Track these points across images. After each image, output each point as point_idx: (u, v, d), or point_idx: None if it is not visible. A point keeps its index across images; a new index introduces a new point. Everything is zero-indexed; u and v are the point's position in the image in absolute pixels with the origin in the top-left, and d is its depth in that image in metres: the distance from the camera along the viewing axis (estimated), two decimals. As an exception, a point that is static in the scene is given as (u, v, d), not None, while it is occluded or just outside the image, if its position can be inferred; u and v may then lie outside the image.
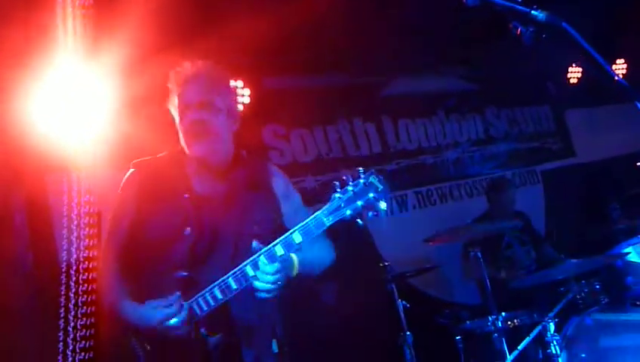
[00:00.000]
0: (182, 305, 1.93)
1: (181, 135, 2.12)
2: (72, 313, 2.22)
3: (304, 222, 1.89)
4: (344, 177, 1.87)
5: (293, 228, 1.93)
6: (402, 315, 3.67)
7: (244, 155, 2.24)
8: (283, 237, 1.91)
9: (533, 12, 1.44)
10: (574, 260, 3.48)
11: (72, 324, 2.22)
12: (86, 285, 2.28)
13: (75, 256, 2.24)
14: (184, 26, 3.48)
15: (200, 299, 1.96)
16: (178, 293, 1.94)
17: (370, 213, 1.86)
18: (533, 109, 6.16)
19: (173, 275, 1.99)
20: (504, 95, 5.86)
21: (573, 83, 5.96)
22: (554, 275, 3.44)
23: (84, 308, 2.26)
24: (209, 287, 1.95)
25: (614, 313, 3.38)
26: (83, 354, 2.21)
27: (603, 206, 4.10)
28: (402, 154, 5.31)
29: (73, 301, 2.23)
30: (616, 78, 1.45)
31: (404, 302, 3.72)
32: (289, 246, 1.91)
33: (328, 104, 4.95)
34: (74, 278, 2.24)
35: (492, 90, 5.81)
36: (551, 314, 3.25)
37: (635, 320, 3.24)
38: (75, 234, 2.24)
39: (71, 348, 2.18)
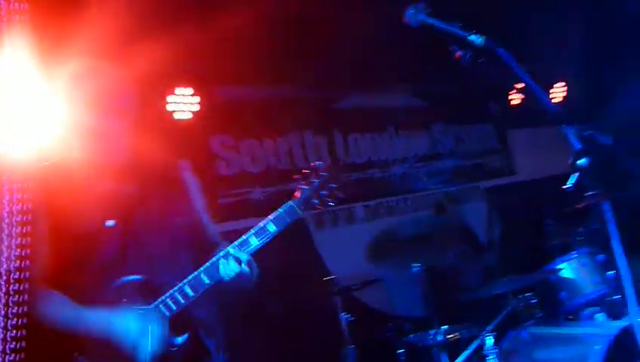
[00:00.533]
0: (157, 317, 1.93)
1: (72, 138, 2.05)
2: (2, 312, 2.11)
3: (277, 212, 2.04)
4: (306, 171, 2.13)
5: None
6: (345, 328, 3.69)
7: (153, 153, 2.20)
8: (257, 227, 2.03)
9: (470, 37, 1.50)
10: (512, 276, 3.60)
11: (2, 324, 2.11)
12: (17, 284, 2.18)
13: (5, 254, 2.14)
14: (134, 33, 3.42)
15: (168, 300, 1.97)
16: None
17: (330, 203, 2.11)
18: (477, 127, 6.35)
19: (124, 280, 1.97)
20: (451, 112, 6.02)
21: (516, 104, 6.19)
22: (493, 290, 3.54)
23: (16, 308, 2.16)
24: (178, 286, 1.97)
25: (548, 327, 3.50)
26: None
27: (540, 223, 4.27)
28: (351, 168, 5.37)
29: (3, 301, 2.12)
30: (545, 102, 1.53)
31: (347, 316, 3.73)
32: (264, 234, 2.02)
33: (280, 115, 4.96)
34: (4, 277, 2.13)
35: (439, 107, 5.96)
36: (489, 328, 3.34)
37: (567, 334, 3.38)
38: (5, 232, 2.14)
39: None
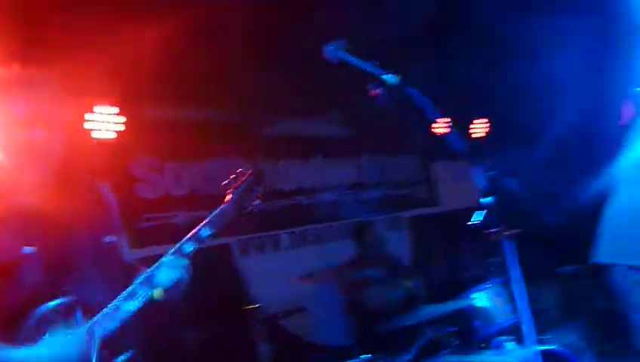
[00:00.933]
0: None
1: (4, 156, 1.89)
2: None
3: (211, 217, 2.08)
4: (232, 177, 2.22)
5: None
6: (268, 360, 3.63)
7: (74, 171, 2.11)
8: (191, 233, 2.03)
9: (383, 76, 1.55)
10: (430, 305, 3.70)
11: None
12: None
13: None
14: (58, 46, 3.30)
15: (102, 319, 1.84)
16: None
17: (255, 203, 2.24)
18: (403, 158, 6.56)
19: (47, 306, 1.81)
20: (378, 143, 6.18)
21: (439, 136, 6.42)
22: (410, 319, 3.62)
23: None
24: (112, 304, 1.86)
25: (463, 355, 3.61)
26: None
27: (459, 253, 4.43)
28: (278, 195, 5.36)
29: None
30: (454, 141, 1.60)
31: (270, 346, 3.69)
32: (198, 240, 2.03)
33: (207, 139, 4.89)
34: None
35: (367, 138, 6.10)
36: (406, 358, 3.39)
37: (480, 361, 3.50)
38: None
39: None
